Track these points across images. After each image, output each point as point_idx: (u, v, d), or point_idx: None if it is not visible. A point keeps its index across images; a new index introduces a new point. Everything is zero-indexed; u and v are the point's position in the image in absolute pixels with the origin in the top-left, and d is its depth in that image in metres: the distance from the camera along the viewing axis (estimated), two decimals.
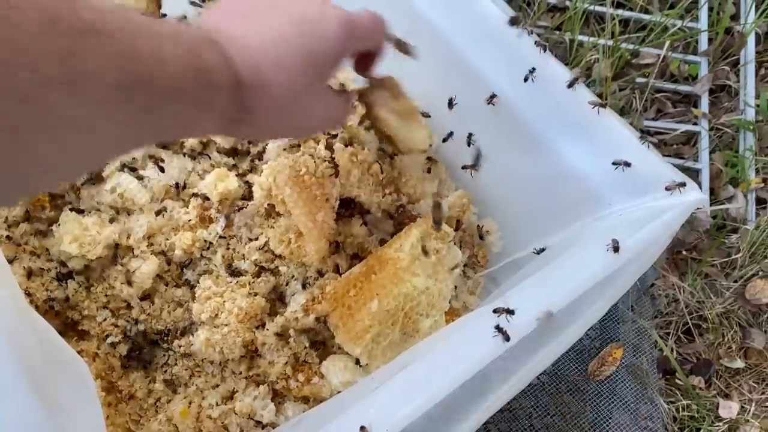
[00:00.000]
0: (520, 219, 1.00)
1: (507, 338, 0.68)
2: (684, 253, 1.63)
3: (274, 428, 0.87)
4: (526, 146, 0.93)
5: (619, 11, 1.86)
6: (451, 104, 1.01)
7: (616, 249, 0.76)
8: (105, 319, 0.93)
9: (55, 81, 0.40)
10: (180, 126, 0.54)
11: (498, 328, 0.69)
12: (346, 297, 0.84)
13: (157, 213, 0.94)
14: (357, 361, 0.86)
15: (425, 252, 0.86)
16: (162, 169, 0.96)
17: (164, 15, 1.10)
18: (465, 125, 1.04)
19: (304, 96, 0.61)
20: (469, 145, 1.02)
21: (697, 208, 0.81)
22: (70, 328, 0.93)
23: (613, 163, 0.84)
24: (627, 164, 0.83)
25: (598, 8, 1.86)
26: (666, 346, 1.44)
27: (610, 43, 1.81)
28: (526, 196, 0.98)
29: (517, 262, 0.99)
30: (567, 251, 0.80)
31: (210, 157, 1.01)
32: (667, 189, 0.80)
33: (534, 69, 0.90)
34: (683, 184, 0.80)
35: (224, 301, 0.89)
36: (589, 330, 0.85)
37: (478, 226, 1.05)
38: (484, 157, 1.01)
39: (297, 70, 0.59)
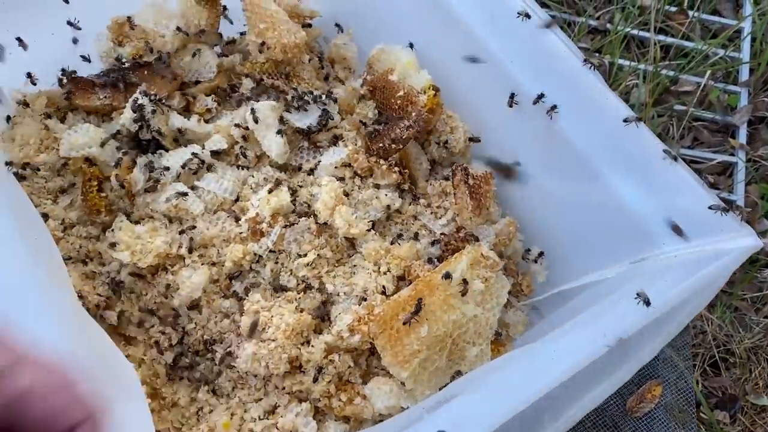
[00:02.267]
0: (567, 249, 1.01)
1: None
2: None
3: None
4: (579, 176, 0.94)
5: (661, 37, 1.86)
6: (511, 104, 1.00)
7: (647, 303, 0.76)
8: (153, 326, 0.94)
9: None
10: None
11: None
12: (394, 320, 0.85)
13: (211, 224, 0.95)
14: (402, 384, 0.87)
15: (464, 282, 0.86)
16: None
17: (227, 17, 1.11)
18: (515, 150, 1.05)
19: None
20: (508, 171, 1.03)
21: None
22: (117, 333, 0.95)
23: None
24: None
25: (640, 33, 1.85)
26: (692, 377, 1.43)
27: (650, 68, 1.80)
28: (575, 226, 0.99)
29: (562, 294, 1.00)
30: (623, 288, 0.80)
31: (262, 171, 1.02)
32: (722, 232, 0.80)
33: (589, 100, 0.90)
34: (739, 229, 0.80)
35: (272, 316, 0.90)
36: None
37: (526, 251, 1.05)
38: (533, 183, 1.02)
39: None
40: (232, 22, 1.17)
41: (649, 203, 0.86)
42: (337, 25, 1.24)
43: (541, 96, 0.95)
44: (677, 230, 0.84)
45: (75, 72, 1.06)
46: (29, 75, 1.05)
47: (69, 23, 1.07)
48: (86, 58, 1.10)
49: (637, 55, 1.88)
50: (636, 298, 0.74)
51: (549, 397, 0.69)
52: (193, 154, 0.98)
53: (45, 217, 0.94)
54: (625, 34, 1.83)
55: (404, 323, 0.81)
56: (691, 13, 1.90)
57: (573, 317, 0.82)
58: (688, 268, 0.79)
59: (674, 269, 0.79)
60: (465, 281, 0.84)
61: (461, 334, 0.84)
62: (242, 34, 1.22)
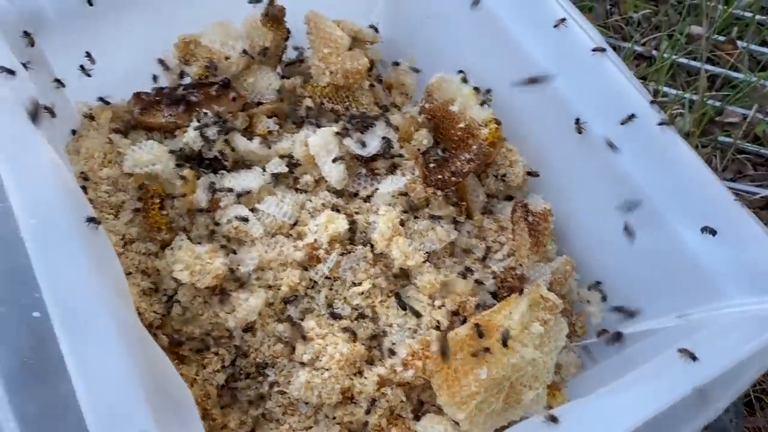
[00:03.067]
0: (624, 293, 1.00)
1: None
2: None
3: None
4: (642, 219, 0.93)
5: (708, 66, 1.84)
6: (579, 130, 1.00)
7: (693, 358, 0.75)
8: (207, 347, 0.95)
9: None
10: None
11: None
12: (452, 359, 0.85)
13: (269, 247, 0.96)
14: (455, 424, 0.86)
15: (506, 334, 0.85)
16: None
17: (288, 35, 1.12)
18: (572, 186, 1.04)
19: None
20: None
21: None
22: (170, 351, 0.95)
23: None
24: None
25: (686, 61, 1.84)
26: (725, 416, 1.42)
27: (696, 98, 1.79)
28: (634, 270, 0.97)
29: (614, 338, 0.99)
30: (685, 340, 0.79)
31: (320, 196, 1.03)
32: None
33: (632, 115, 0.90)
34: None
35: (326, 345, 0.90)
36: None
37: (578, 293, 1.05)
38: (590, 222, 1.01)
39: None
40: (293, 48, 1.18)
41: (717, 254, 0.85)
42: (372, 26, 1.23)
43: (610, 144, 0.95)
44: (745, 284, 0.83)
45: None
46: (101, 99, 1.06)
47: (87, 54, 1.07)
48: (155, 78, 1.11)
49: (682, 84, 1.86)
50: (680, 354, 0.74)
51: None
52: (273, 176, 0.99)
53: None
54: (672, 61, 1.82)
55: (473, 355, 0.81)
56: (740, 43, 1.88)
57: (629, 367, 0.81)
58: (758, 324, 0.78)
59: (743, 325, 0.78)
60: (507, 333, 0.84)
61: (519, 378, 0.84)
62: (300, 56, 1.23)
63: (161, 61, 1.09)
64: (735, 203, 0.86)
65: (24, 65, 0.89)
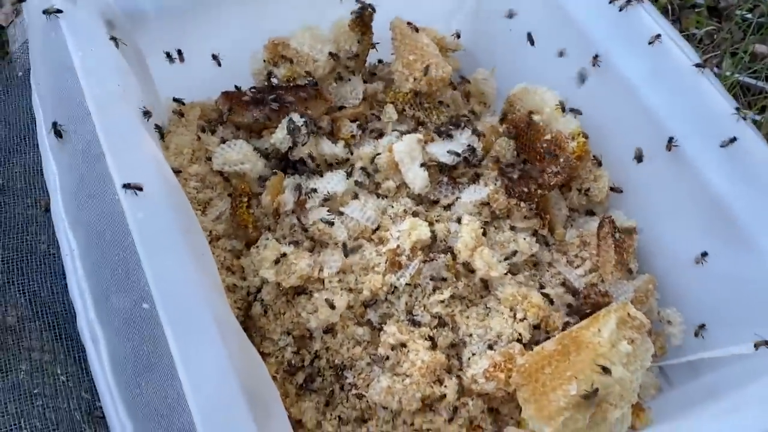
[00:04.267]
0: (704, 316, 0.98)
1: None
2: None
3: None
4: (733, 242, 0.92)
5: None
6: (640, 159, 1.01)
7: None
8: (287, 345, 0.96)
9: None
10: None
11: None
12: (540, 373, 0.84)
13: (352, 251, 0.97)
14: None
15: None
16: None
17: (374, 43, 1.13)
18: (661, 206, 1.03)
19: None
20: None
21: None
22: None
23: None
24: None
25: (750, 81, 1.80)
26: None
27: (759, 118, 1.75)
28: (717, 294, 0.96)
29: (693, 363, 0.97)
30: None
31: (401, 202, 1.03)
32: None
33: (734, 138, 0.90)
34: None
35: (408, 351, 0.91)
36: None
37: (658, 312, 1.03)
38: (674, 241, 1.00)
39: None
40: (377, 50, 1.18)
41: None
42: (456, 34, 1.24)
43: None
44: None
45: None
46: (176, 99, 1.09)
47: (213, 56, 1.09)
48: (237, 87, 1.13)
49: (745, 103, 1.82)
50: None
51: None
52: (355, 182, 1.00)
53: None
54: (735, 80, 1.78)
55: (583, 398, 0.80)
56: None
57: (709, 394, 0.80)
58: None
59: None
60: (608, 368, 0.83)
61: (605, 396, 0.83)
62: (380, 61, 1.24)
63: (214, 57, 1.10)
64: None
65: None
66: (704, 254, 0.96)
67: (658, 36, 0.98)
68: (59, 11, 0.87)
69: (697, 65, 0.97)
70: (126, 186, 0.75)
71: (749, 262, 0.91)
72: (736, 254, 0.92)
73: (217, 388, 0.68)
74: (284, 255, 0.94)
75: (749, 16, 1.89)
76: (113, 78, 0.86)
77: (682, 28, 1.94)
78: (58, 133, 0.81)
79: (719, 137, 0.92)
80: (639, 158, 1.02)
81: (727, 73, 1.77)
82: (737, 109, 0.95)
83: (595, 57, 1.05)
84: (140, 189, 0.76)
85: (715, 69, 1.84)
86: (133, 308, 0.71)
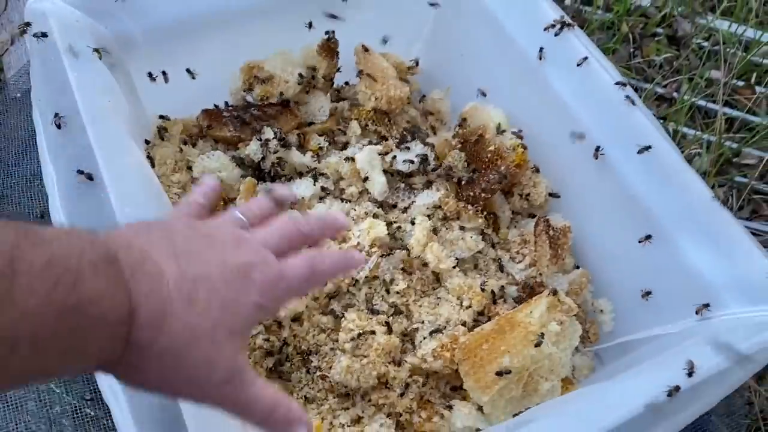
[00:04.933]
0: (632, 304, 1.10)
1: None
2: None
3: None
4: (652, 238, 1.04)
5: (727, 110, 1.93)
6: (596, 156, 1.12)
7: (690, 374, 0.84)
8: (259, 333, 1.07)
9: None
10: (33, 370, 0.45)
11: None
12: (478, 349, 0.96)
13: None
14: (479, 409, 0.97)
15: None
16: None
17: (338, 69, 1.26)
18: (590, 210, 1.16)
19: (209, 345, 0.52)
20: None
21: None
22: None
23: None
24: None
25: (705, 104, 1.93)
26: None
27: (714, 139, 1.88)
28: (641, 283, 1.08)
29: (623, 346, 1.09)
30: (683, 343, 0.89)
31: (363, 205, 1.16)
32: None
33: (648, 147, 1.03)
34: None
35: (366, 335, 1.02)
36: None
37: (592, 303, 1.16)
38: (605, 239, 1.13)
39: (210, 314, 0.52)
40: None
41: (716, 268, 0.96)
42: (414, 60, 1.38)
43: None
44: (739, 294, 0.93)
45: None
46: (162, 116, 1.23)
47: (187, 70, 1.23)
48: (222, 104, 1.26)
49: (702, 125, 1.95)
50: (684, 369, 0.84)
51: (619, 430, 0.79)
52: (322, 188, 1.13)
53: None
54: (691, 104, 1.91)
55: (497, 374, 0.92)
56: (758, 89, 1.97)
57: (629, 367, 0.91)
58: (751, 329, 0.88)
59: (738, 329, 0.88)
60: (542, 335, 0.94)
61: (537, 369, 0.94)
62: (347, 83, 1.38)
63: (188, 71, 1.22)
64: (733, 222, 0.97)
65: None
66: (648, 237, 1.05)
67: (586, 58, 1.12)
68: (45, 34, 1.00)
69: (618, 83, 1.10)
70: (79, 172, 0.89)
71: (666, 253, 1.03)
72: (653, 247, 1.05)
73: None
74: None
75: (705, 44, 2.04)
76: (104, 95, 0.99)
77: (643, 55, 2.09)
78: (58, 125, 0.92)
79: (637, 145, 1.05)
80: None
81: (685, 97, 1.91)
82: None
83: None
84: (91, 179, 0.88)
85: (675, 93, 1.99)
86: None
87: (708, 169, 1.82)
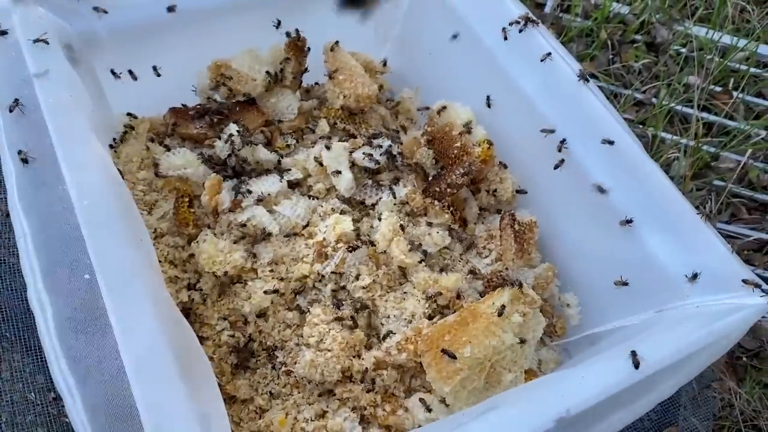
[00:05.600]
0: (598, 297, 1.10)
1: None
2: (744, 359, 1.64)
3: None
4: (614, 230, 1.05)
5: (704, 114, 1.94)
6: (560, 149, 1.12)
7: (636, 365, 0.84)
8: (223, 329, 1.06)
9: None
10: None
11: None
12: (440, 341, 0.95)
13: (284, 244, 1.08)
14: (442, 402, 0.96)
15: (500, 314, 0.96)
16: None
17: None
18: (557, 205, 1.16)
19: None
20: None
21: (763, 317, 0.90)
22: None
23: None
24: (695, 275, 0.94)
25: (684, 109, 1.95)
26: None
27: (692, 143, 1.89)
28: (607, 276, 1.08)
29: (590, 338, 1.09)
30: (643, 333, 0.89)
31: (330, 202, 1.15)
32: (744, 283, 0.89)
33: (611, 141, 1.02)
34: (759, 285, 0.89)
35: (330, 329, 1.01)
36: (649, 412, 0.93)
37: (559, 297, 1.16)
38: (571, 235, 1.13)
39: None
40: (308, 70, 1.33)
41: (679, 260, 0.97)
42: (383, 61, 1.37)
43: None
44: (698, 282, 0.93)
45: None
46: (130, 114, 1.22)
47: (153, 68, 1.23)
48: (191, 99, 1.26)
49: (680, 130, 1.96)
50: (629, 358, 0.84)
51: (576, 417, 0.78)
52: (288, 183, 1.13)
53: None
54: (669, 109, 1.92)
55: (443, 352, 0.91)
56: (735, 93, 1.99)
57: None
58: (708, 318, 0.88)
59: (696, 318, 0.89)
60: (503, 306, 0.95)
61: (499, 360, 0.94)
62: (316, 83, 1.38)
63: (154, 68, 1.23)
64: (695, 216, 0.98)
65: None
66: (629, 220, 1.05)
67: (549, 54, 1.13)
68: (4, 32, 1.00)
69: (579, 77, 1.11)
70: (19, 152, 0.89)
71: (630, 245, 1.04)
72: (618, 240, 1.05)
73: (148, 346, 0.79)
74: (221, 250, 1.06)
75: (683, 50, 2.06)
76: (65, 90, 0.99)
77: (621, 62, 2.10)
78: (11, 110, 0.93)
79: (599, 137, 1.06)
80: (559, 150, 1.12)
81: (664, 102, 1.92)
82: (641, 125, 1.08)
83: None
84: (26, 162, 0.89)
85: (653, 99, 2.00)
86: (76, 279, 0.82)
87: (686, 173, 1.82)
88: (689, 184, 1.84)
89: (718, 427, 1.53)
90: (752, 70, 2.02)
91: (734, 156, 1.90)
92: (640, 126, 1.92)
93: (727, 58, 2.02)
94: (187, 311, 1.08)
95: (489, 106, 1.18)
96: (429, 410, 0.94)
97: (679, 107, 1.97)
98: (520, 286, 1.00)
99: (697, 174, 1.87)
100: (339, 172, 1.15)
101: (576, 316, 1.14)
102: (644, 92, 2.08)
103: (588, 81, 1.11)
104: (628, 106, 2.00)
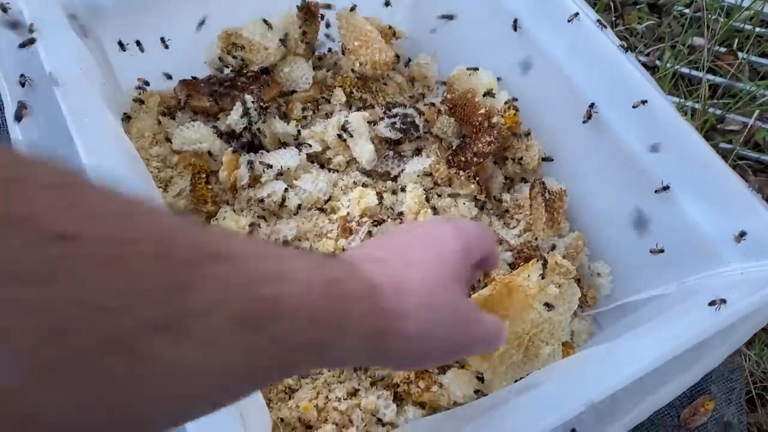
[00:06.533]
0: (632, 265, 1.08)
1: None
2: None
3: (393, 428, 0.95)
4: (647, 195, 1.02)
5: (709, 76, 1.92)
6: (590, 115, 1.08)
7: (721, 302, 0.82)
8: None
9: (154, 325, 0.34)
10: (309, 355, 0.46)
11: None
12: None
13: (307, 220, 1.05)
14: (478, 378, 0.94)
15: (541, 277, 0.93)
16: None
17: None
18: (586, 171, 1.13)
19: (444, 293, 0.58)
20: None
21: None
22: None
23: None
24: (742, 234, 0.91)
25: (688, 71, 1.93)
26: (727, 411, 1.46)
27: (698, 106, 1.87)
28: (641, 243, 1.06)
29: (623, 308, 1.07)
30: (686, 302, 0.87)
31: (351, 175, 1.12)
32: None
33: (644, 101, 1.01)
34: None
35: None
36: None
37: (589, 266, 1.13)
38: (602, 202, 1.10)
39: (432, 283, 0.57)
40: (333, 39, 1.28)
41: (717, 225, 0.94)
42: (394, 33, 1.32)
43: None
44: (742, 244, 0.91)
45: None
46: (140, 82, 1.17)
47: (161, 40, 1.17)
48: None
49: (685, 93, 1.94)
50: (711, 305, 0.81)
51: (623, 391, 0.76)
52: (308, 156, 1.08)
53: None
54: (674, 71, 1.90)
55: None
56: (740, 54, 1.97)
57: (629, 328, 0.89)
58: (752, 284, 0.86)
59: (739, 285, 0.86)
60: (542, 277, 0.92)
61: (537, 333, 0.92)
62: (330, 50, 1.33)
63: (162, 40, 1.18)
64: (734, 177, 0.95)
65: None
66: (665, 187, 1.01)
67: (576, 14, 1.09)
68: (4, 9, 0.94)
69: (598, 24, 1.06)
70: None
71: (662, 211, 1.01)
72: (650, 205, 1.03)
73: None
74: (252, 225, 1.02)
75: (687, 11, 2.03)
76: (76, 63, 0.93)
77: (624, 24, 2.07)
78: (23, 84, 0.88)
79: (631, 100, 1.02)
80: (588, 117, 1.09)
81: (668, 65, 1.90)
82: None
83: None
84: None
85: (657, 61, 1.97)
86: None
87: None
88: None
89: (728, 389, 1.54)
90: (757, 29, 2.00)
91: (740, 118, 1.89)
92: None
93: (731, 18, 1.99)
94: None
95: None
96: (476, 391, 0.92)
97: (684, 69, 1.95)
98: (551, 255, 0.97)
99: (703, 137, 1.85)
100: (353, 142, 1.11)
101: (608, 285, 1.11)
102: (648, 55, 2.05)
103: (625, 50, 1.06)
104: None
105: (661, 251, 1.02)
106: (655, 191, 1.00)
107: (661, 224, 1.02)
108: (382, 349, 0.52)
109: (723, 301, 0.82)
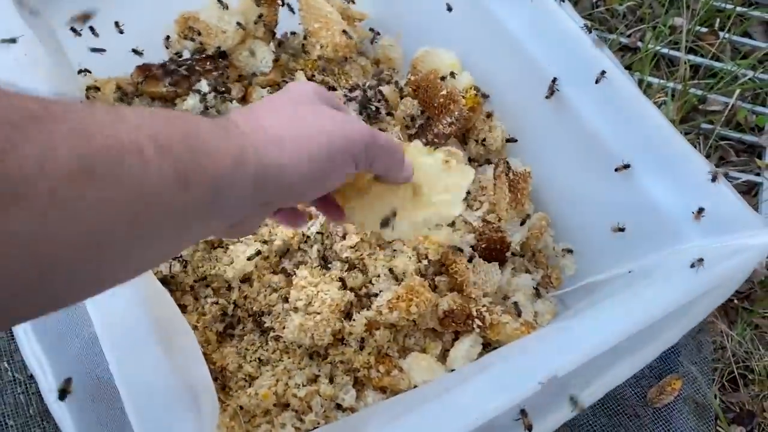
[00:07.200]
0: (595, 245, 1.07)
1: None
2: (735, 301, 1.63)
3: (353, 412, 0.94)
4: (609, 175, 1.00)
5: (690, 56, 1.90)
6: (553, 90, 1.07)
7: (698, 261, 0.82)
8: (206, 297, 1.01)
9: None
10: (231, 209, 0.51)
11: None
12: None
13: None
14: (438, 359, 0.93)
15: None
16: None
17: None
18: (549, 151, 1.11)
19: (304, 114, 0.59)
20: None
21: None
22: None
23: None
24: (701, 211, 0.90)
25: (670, 52, 1.90)
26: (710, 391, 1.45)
27: (679, 87, 1.85)
28: (604, 223, 1.04)
29: (587, 288, 1.06)
30: (649, 277, 0.86)
31: None
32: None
33: (603, 72, 0.98)
34: (763, 227, 0.86)
35: (318, 291, 0.97)
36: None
37: (554, 247, 1.12)
38: (565, 182, 1.08)
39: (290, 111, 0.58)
40: (294, 12, 1.24)
41: (677, 201, 0.93)
42: (372, 29, 1.31)
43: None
44: (701, 221, 0.90)
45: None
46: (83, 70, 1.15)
47: (116, 24, 1.15)
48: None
49: (666, 74, 1.92)
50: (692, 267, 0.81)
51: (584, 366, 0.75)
52: None
53: None
54: (656, 52, 1.88)
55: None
56: (721, 34, 1.94)
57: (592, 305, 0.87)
58: (712, 260, 0.84)
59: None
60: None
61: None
62: (292, 33, 1.31)
63: (116, 24, 1.16)
64: (694, 154, 0.93)
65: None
66: (626, 165, 1.01)
67: None
68: None
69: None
70: None
71: (625, 190, 0.99)
72: (613, 184, 1.01)
73: (124, 316, 0.73)
74: None
75: None
76: (19, 48, 0.91)
77: (605, 5, 2.04)
78: None
79: (592, 77, 1.01)
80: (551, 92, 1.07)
81: (649, 46, 1.87)
82: (627, 70, 1.03)
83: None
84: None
85: (639, 42, 1.95)
86: None
87: (674, 117, 1.79)
88: (678, 128, 1.80)
89: (711, 369, 1.53)
90: (738, 9, 1.98)
91: (722, 98, 1.87)
92: (627, 71, 1.87)
93: None
94: (166, 280, 1.03)
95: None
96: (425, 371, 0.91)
97: (665, 50, 1.93)
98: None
99: (684, 118, 1.84)
100: None
101: (572, 266, 1.10)
102: (629, 36, 2.03)
103: (590, 31, 1.04)
104: (614, 51, 1.95)
105: (622, 230, 1.00)
106: (615, 170, 0.98)
107: (622, 203, 1.00)
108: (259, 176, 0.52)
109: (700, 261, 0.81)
